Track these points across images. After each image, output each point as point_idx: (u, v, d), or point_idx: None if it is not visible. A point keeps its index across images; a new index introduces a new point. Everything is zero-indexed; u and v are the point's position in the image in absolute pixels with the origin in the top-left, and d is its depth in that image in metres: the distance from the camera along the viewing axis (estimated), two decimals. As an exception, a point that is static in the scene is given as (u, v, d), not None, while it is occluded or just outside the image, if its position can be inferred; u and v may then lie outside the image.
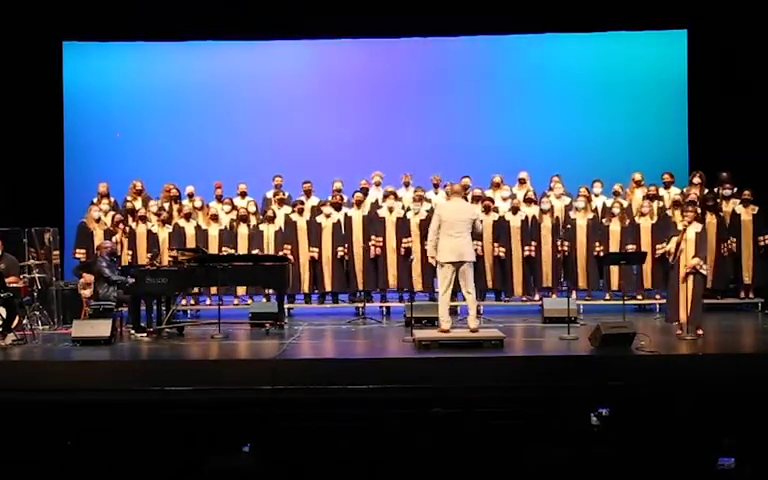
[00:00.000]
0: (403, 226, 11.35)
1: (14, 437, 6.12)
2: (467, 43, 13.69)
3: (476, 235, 9.55)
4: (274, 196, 12.05)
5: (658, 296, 11.37)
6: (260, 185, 12.44)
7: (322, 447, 5.76)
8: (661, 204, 11.53)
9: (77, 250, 11.38)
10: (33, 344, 9.62)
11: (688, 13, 13.08)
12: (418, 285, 11.19)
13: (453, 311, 9.22)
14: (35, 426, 6.44)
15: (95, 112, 13.80)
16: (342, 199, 11.66)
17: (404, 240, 11.30)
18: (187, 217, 11.60)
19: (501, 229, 11.36)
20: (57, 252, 11.35)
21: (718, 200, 11.36)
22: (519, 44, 13.72)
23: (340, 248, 11.38)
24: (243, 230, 11.59)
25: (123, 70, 13.86)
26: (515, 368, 8.21)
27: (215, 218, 11.67)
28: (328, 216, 11.49)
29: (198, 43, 13.64)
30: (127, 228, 11.38)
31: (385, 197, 11.62)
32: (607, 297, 11.44)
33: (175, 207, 11.86)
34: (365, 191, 11.91)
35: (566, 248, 11.31)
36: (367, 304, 11.32)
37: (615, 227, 11.25)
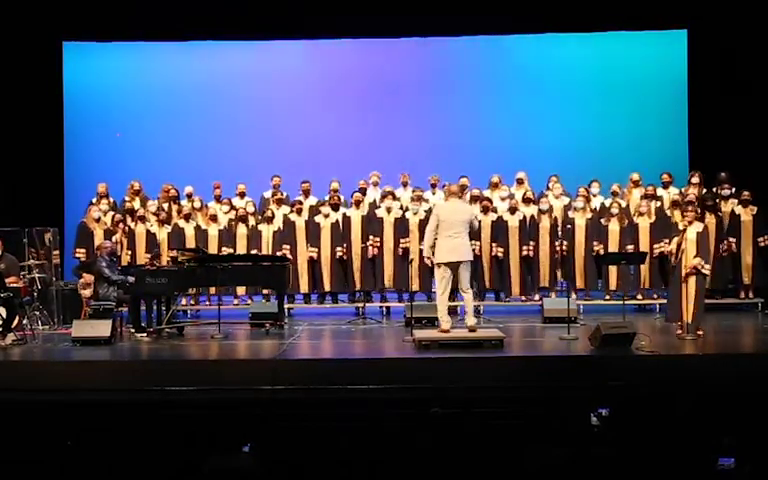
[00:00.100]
0: (401, 226, 11.35)
1: (14, 437, 6.11)
2: (467, 43, 13.70)
3: (472, 233, 9.55)
4: (272, 196, 12.05)
5: (656, 296, 11.39)
6: (259, 185, 12.44)
7: (322, 447, 5.75)
8: (659, 204, 11.53)
9: (77, 250, 11.38)
10: (33, 344, 9.62)
11: (688, 13, 13.08)
12: (415, 285, 11.20)
13: (453, 311, 9.21)
14: (35, 426, 6.44)
15: (95, 112, 13.81)
16: (339, 199, 11.66)
17: (402, 240, 11.30)
18: (187, 217, 11.60)
19: (499, 229, 11.35)
20: (57, 252, 11.35)
21: (717, 200, 11.36)
22: (519, 44, 13.74)
23: (339, 248, 11.38)
24: (242, 230, 11.58)
25: (123, 70, 13.86)
26: (515, 368, 8.21)
27: (214, 218, 11.67)
28: (327, 216, 11.49)
29: (198, 43, 13.64)
30: (126, 228, 11.39)
31: (383, 197, 11.62)
32: (607, 297, 11.44)
33: (174, 207, 11.86)
34: (363, 191, 11.91)
35: (565, 248, 11.32)
36: (367, 304, 11.32)
37: (614, 227, 11.25)
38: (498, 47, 13.79)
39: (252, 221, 11.70)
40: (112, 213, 11.59)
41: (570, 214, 11.50)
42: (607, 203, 11.63)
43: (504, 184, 12.01)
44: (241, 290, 11.63)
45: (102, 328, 9.38)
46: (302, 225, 11.54)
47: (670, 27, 13.42)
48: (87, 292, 10.54)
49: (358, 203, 11.58)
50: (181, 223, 11.55)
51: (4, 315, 9.42)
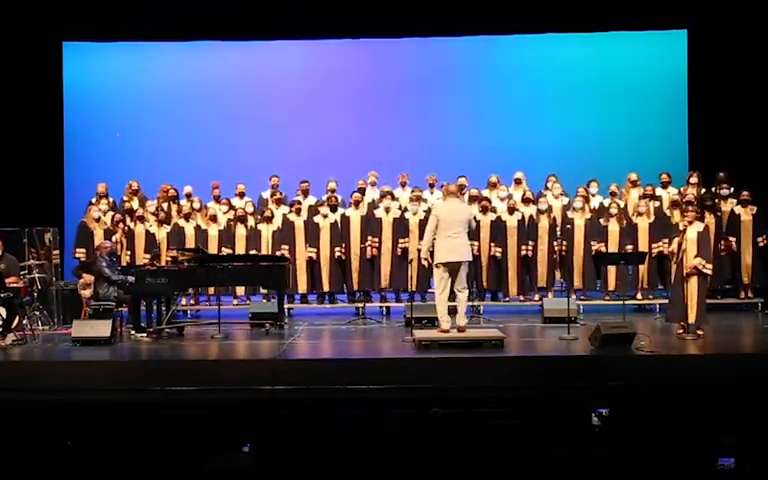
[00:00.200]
0: (400, 226, 11.35)
1: (14, 437, 6.11)
2: (467, 43, 13.69)
3: (470, 233, 9.54)
4: (271, 196, 12.04)
5: (651, 296, 11.39)
6: (258, 185, 12.44)
7: (322, 447, 5.75)
8: (658, 204, 11.53)
9: (77, 250, 11.38)
10: (33, 344, 9.63)
11: (688, 13, 13.08)
12: (413, 285, 11.18)
13: (452, 311, 9.20)
14: (35, 426, 6.44)
15: (95, 112, 13.81)
16: (337, 199, 11.65)
17: (401, 240, 11.30)
18: (187, 217, 11.60)
19: (498, 229, 11.35)
20: (57, 252, 11.35)
21: (716, 200, 11.37)
22: (519, 44, 13.73)
23: (337, 248, 11.38)
24: (241, 230, 11.58)
25: (123, 70, 13.86)
26: (515, 368, 8.21)
27: (214, 218, 11.67)
28: (325, 216, 11.48)
29: (198, 43, 13.65)
30: (126, 228, 11.39)
31: (382, 197, 11.62)
32: (607, 298, 11.44)
33: (174, 207, 11.86)
34: (363, 191, 11.91)
35: (564, 248, 11.32)
36: (367, 304, 11.32)
37: (614, 227, 11.25)
38: (498, 47, 13.78)
39: (251, 221, 11.70)
40: (112, 213, 11.59)
41: (569, 214, 11.49)
42: (606, 203, 11.63)
43: (502, 184, 12.02)
44: (240, 290, 11.63)
45: (102, 328, 9.38)
46: (301, 225, 11.53)
47: (670, 27, 13.42)
48: (87, 292, 10.54)
49: (357, 203, 11.57)
50: (181, 223, 11.55)
51: (4, 315, 9.42)
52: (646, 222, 11.23)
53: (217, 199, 12.02)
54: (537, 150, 13.14)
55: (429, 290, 11.25)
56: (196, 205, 11.83)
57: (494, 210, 11.46)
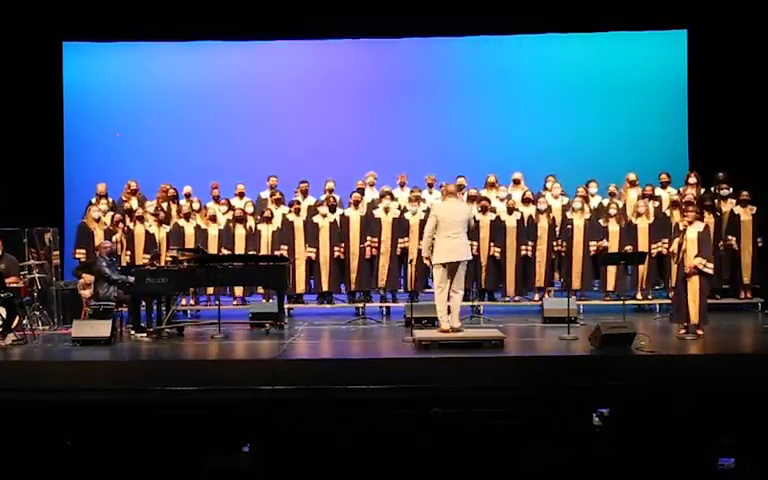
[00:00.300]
0: (399, 226, 11.35)
1: (14, 437, 6.11)
2: (467, 43, 13.69)
3: (470, 233, 9.54)
4: (271, 196, 12.04)
5: (651, 296, 11.39)
6: (258, 185, 12.44)
7: (322, 447, 5.75)
8: (657, 204, 11.53)
9: (77, 250, 11.37)
10: (33, 344, 9.63)
11: (688, 13, 13.08)
12: (413, 285, 11.18)
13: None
14: (35, 426, 6.44)
15: (95, 112, 13.81)
16: (335, 199, 11.65)
17: (401, 240, 11.30)
18: (187, 217, 11.60)
19: (497, 229, 11.35)
20: (57, 252, 11.35)
21: (716, 200, 11.37)
22: (519, 44, 13.73)
23: (336, 248, 11.38)
24: (240, 230, 11.58)
25: (123, 70, 13.87)
26: (515, 368, 8.21)
27: (214, 218, 11.66)
28: (324, 216, 11.48)
29: (198, 43, 13.66)
30: (126, 228, 11.38)
31: (381, 197, 11.62)
32: (607, 298, 11.43)
33: (174, 207, 11.86)
34: (362, 191, 11.91)
35: (563, 248, 11.32)
36: (366, 304, 11.32)
37: (614, 228, 11.25)
38: (498, 47, 13.78)
39: (251, 221, 11.70)
40: (112, 213, 11.59)
41: (568, 214, 11.49)
42: (605, 203, 11.63)
43: (501, 184, 12.01)
44: (239, 290, 11.62)
45: (102, 328, 9.38)
46: (300, 225, 11.53)
47: (670, 27, 13.42)
48: (87, 292, 10.54)
49: (357, 203, 11.57)
50: (181, 223, 11.55)
51: (4, 315, 9.42)
52: (646, 222, 11.23)
53: (217, 199, 12.02)
54: (537, 150, 13.14)
55: (426, 290, 11.26)
56: (195, 205, 11.83)
57: (493, 210, 11.46)
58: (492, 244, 11.30)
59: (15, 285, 9.89)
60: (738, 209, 11.30)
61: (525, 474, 5.30)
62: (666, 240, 10.65)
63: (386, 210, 11.42)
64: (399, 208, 11.51)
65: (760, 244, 11.23)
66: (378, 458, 5.52)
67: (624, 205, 11.62)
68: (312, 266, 11.48)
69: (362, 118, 13.78)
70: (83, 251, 11.26)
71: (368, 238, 11.35)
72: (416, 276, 11.04)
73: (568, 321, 9.46)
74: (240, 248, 11.48)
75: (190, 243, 11.21)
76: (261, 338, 9.82)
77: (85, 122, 13.74)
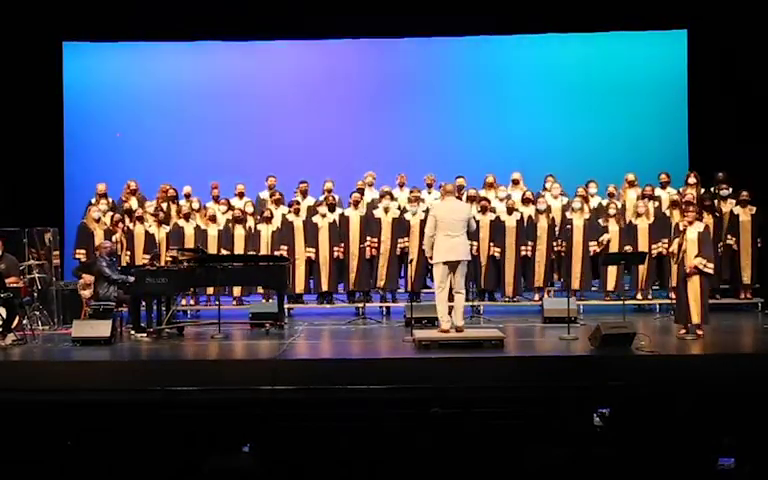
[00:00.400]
0: (399, 226, 11.35)
1: (14, 437, 6.11)
2: (467, 43, 13.70)
3: (470, 234, 9.55)
4: (270, 196, 12.04)
5: (651, 296, 11.39)
6: (257, 185, 12.44)
7: (322, 447, 5.75)
8: (657, 204, 11.53)
9: (77, 250, 11.36)
10: (33, 344, 9.63)
11: (688, 13, 13.09)
12: (413, 285, 11.17)
13: (452, 311, 9.20)
14: (35, 426, 6.44)
15: (95, 112, 13.82)
16: (334, 199, 11.65)
17: (400, 240, 11.30)
18: (186, 217, 11.60)
19: (497, 229, 11.35)
20: (57, 252, 11.35)
21: (716, 200, 11.37)
22: (519, 44, 13.73)
23: (336, 248, 11.38)
24: (240, 230, 11.58)
25: (123, 70, 13.87)
26: (515, 368, 8.21)
27: (213, 219, 11.66)
28: (324, 216, 11.48)
29: (198, 43, 13.67)
30: (126, 228, 11.38)
31: (381, 197, 11.62)
32: (607, 298, 11.43)
33: (174, 207, 11.86)
34: (362, 191, 11.91)
35: (563, 248, 11.32)
36: (366, 304, 11.32)
37: (614, 228, 11.25)
38: (498, 47, 13.78)
39: (251, 221, 11.70)
40: (111, 213, 11.59)
41: (568, 214, 11.49)
42: (604, 203, 11.63)
43: (500, 184, 12.01)
44: (237, 290, 11.61)
45: (102, 328, 9.38)
46: (300, 225, 11.53)
47: (670, 27, 13.43)
48: (87, 292, 10.54)
49: (356, 203, 11.57)
50: (180, 223, 11.55)
51: (4, 315, 9.42)
52: (646, 222, 11.23)
53: (216, 199, 12.02)
54: (536, 150, 13.15)
55: (425, 290, 11.26)
56: (195, 205, 11.84)
57: (493, 210, 11.46)
58: (492, 244, 11.31)
59: (15, 285, 9.88)
60: (738, 209, 11.30)
61: (525, 474, 5.31)
62: (666, 240, 10.65)
63: (386, 210, 11.42)
64: (399, 208, 11.51)
65: (759, 244, 11.23)
66: (378, 458, 5.52)
67: (623, 205, 11.61)
68: (312, 266, 11.49)
69: (362, 118, 13.78)
70: (83, 251, 11.26)
71: (368, 238, 11.35)
72: (416, 276, 11.05)
73: (568, 321, 9.46)
74: (240, 248, 11.48)
75: (190, 243, 11.21)
76: (261, 338, 9.82)
77: (85, 122, 13.74)
